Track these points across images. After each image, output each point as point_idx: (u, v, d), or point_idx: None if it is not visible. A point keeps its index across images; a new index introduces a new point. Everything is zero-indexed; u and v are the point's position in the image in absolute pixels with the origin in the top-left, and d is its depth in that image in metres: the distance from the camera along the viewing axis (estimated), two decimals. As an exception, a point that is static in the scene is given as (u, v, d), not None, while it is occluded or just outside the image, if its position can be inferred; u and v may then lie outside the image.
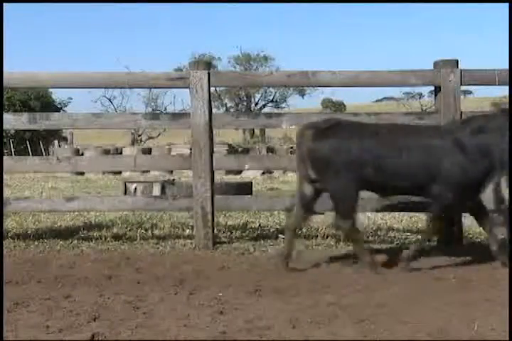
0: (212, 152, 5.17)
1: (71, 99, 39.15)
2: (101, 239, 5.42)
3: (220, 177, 13.31)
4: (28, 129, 5.84)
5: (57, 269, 4.29)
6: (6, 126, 5.27)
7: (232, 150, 21.46)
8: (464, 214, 5.27)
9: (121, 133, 39.59)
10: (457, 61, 5.18)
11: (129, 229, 5.90)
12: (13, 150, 29.95)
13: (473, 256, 4.70)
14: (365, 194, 4.40)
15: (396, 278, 4.01)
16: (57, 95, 38.61)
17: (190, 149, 5.32)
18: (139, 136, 40.72)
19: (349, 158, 4.11)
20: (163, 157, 12.49)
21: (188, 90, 5.20)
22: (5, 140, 30.05)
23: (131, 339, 2.85)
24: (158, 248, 5.11)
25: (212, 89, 5.46)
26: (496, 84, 5.21)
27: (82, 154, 20.73)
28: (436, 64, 5.22)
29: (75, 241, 5.32)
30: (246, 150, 22.40)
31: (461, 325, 3.01)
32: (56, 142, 32.82)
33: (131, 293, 3.61)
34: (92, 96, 63.78)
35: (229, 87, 39.03)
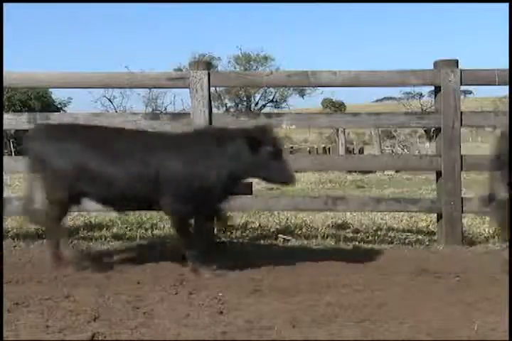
0: (212, 152, 5.17)
1: (71, 99, 39.05)
2: (101, 239, 5.42)
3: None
4: (28, 129, 5.88)
5: (57, 269, 4.28)
6: (6, 126, 5.27)
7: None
8: (464, 214, 5.28)
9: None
10: (457, 61, 5.19)
11: (129, 229, 5.90)
12: (13, 150, 29.92)
13: (473, 256, 4.71)
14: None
15: (396, 278, 4.01)
16: (57, 95, 38.58)
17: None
18: (139, 136, 40.63)
19: None
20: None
21: (188, 90, 5.20)
22: (5, 140, 30.04)
23: (131, 339, 2.85)
24: (158, 248, 5.11)
25: (212, 89, 5.46)
26: (495, 84, 5.22)
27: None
28: (436, 64, 5.23)
29: (75, 241, 5.32)
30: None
31: (461, 325, 3.01)
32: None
33: (131, 293, 3.61)
34: (92, 96, 63.69)
35: (229, 87, 39.01)
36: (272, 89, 43.97)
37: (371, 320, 3.10)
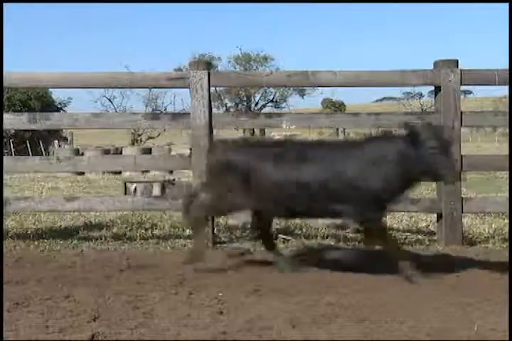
0: (212, 152, 5.17)
1: (71, 99, 39.22)
2: (101, 239, 5.42)
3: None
4: (28, 129, 5.85)
5: (57, 269, 4.29)
6: (6, 126, 5.28)
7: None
8: (464, 214, 5.29)
9: (121, 133, 39.64)
10: (457, 61, 5.19)
11: (129, 229, 5.90)
12: (13, 150, 29.95)
13: (474, 256, 4.70)
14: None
15: (396, 278, 4.00)
16: (57, 95, 38.67)
17: (190, 149, 5.33)
18: (139, 136, 40.75)
19: None
20: (163, 157, 12.50)
21: (188, 90, 5.20)
22: (5, 140, 30.06)
23: (131, 339, 2.85)
24: (158, 248, 5.12)
25: (212, 89, 5.46)
26: (495, 84, 5.22)
27: (82, 154, 20.69)
28: (436, 64, 5.23)
29: (75, 241, 5.32)
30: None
31: (461, 325, 3.00)
32: (56, 142, 32.81)
33: (131, 293, 3.60)
34: (92, 96, 63.86)
35: (229, 87, 39.03)
36: (271, 89, 44.05)
37: (371, 320, 3.09)
